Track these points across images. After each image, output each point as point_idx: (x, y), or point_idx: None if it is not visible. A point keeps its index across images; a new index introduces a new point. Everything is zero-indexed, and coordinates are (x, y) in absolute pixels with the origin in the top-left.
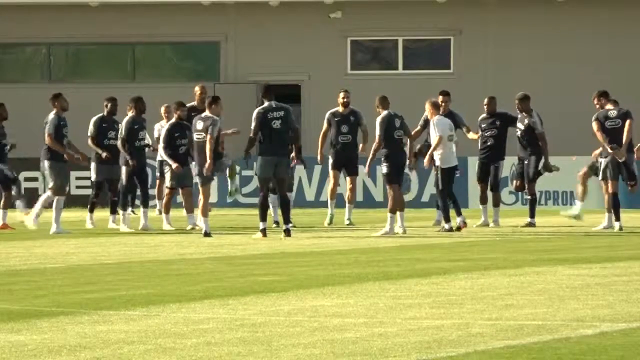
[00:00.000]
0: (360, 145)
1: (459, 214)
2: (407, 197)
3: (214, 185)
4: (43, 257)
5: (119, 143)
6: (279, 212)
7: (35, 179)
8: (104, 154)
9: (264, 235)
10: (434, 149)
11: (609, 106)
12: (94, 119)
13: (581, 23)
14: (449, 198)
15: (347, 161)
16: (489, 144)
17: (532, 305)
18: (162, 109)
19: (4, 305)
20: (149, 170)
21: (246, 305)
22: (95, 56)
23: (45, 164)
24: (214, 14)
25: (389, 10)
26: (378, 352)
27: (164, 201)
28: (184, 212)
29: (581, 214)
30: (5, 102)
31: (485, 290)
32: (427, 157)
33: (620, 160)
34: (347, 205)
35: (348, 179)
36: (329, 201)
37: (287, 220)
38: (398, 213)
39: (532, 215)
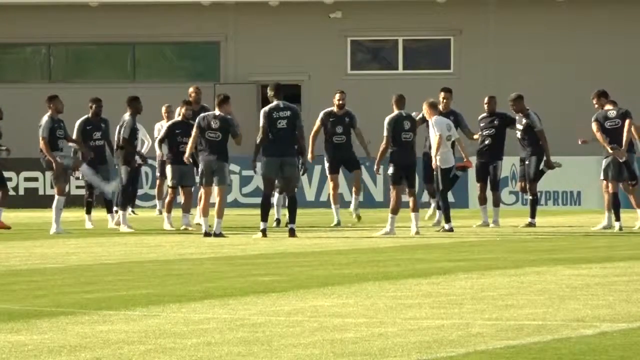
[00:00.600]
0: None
1: (447, 220)
2: (407, 197)
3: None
4: (43, 257)
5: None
6: (282, 211)
7: (35, 179)
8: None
9: (264, 235)
10: (437, 149)
11: (608, 106)
12: (78, 121)
13: (581, 23)
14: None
15: (343, 161)
16: (486, 143)
17: (532, 305)
18: (163, 109)
19: (4, 305)
20: (149, 170)
21: (246, 305)
22: (95, 56)
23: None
24: (214, 14)
25: (389, 10)
26: (378, 352)
27: (166, 201)
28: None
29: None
30: (5, 102)
31: (485, 290)
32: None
33: (621, 160)
34: (353, 196)
35: (353, 174)
36: (333, 207)
37: (292, 220)
38: (413, 214)
39: (533, 216)
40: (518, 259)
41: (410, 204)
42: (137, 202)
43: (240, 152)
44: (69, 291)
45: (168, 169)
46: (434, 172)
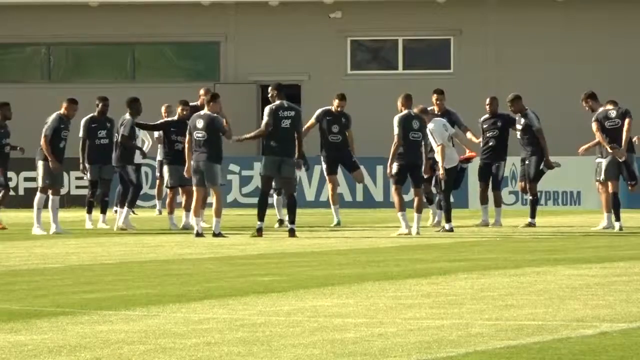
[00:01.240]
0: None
1: (448, 220)
2: (407, 197)
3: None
4: (43, 257)
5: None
6: (284, 211)
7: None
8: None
9: (260, 234)
10: (442, 159)
11: (608, 106)
12: (84, 119)
13: (581, 23)
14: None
15: (340, 160)
16: (490, 144)
17: (532, 306)
18: (163, 109)
19: (4, 305)
20: (149, 170)
21: (246, 305)
22: (95, 56)
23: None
24: (214, 14)
25: (389, 10)
26: (378, 352)
27: (167, 202)
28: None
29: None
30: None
31: (485, 290)
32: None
33: (620, 160)
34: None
35: (353, 175)
36: (332, 207)
37: (292, 220)
38: (416, 215)
39: (533, 216)
40: (518, 259)
41: (415, 204)
42: (137, 202)
43: (241, 152)
44: (69, 291)
45: (165, 169)
46: (437, 172)
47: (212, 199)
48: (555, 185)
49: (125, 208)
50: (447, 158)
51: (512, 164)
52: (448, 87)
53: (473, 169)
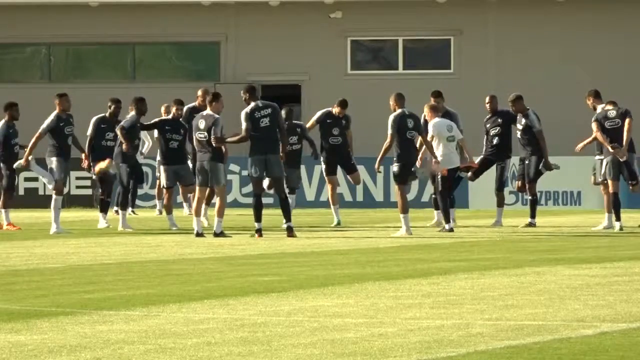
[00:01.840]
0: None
1: (447, 220)
2: (407, 197)
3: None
4: (43, 257)
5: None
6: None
7: (35, 179)
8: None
9: (260, 235)
10: (432, 152)
11: (608, 106)
12: (94, 118)
13: (581, 23)
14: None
15: (340, 161)
16: (494, 142)
17: (533, 305)
18: (162, 109)
19: (4, 305)
20: (149, 170)
21: (246, 306)
22: (95, 56)
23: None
24: (214, 14)
25: (389, 10)
26: (378, 352)
27: (164, 202)
28: (184, 211)
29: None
30: (5, 102)
31: (485, 290)
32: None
33: (621, 160)
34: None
35: (350, 177)
36: (332, 208)
37: (288, 218)
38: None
39: (533, 216)
40: (518, 259)
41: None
42: (137, 202)
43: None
44: (69, 291)
45: (161, 170)
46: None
47: (215, 198)
48: (555, 185)
49: (121, 211)
50: (447, 159)
51: (513, 164)
52: (448, 87)
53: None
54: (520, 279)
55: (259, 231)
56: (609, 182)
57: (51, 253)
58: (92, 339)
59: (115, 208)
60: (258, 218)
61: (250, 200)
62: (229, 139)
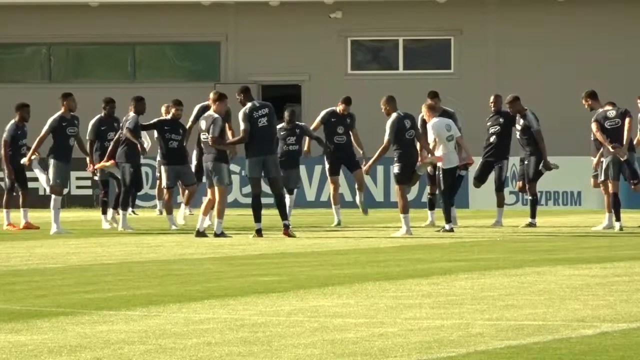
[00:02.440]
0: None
1: (448, 220)
2: (408, 197)
3: None
4: (43, 257)
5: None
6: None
7: (35, 179)
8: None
9: (259, 235)
10: (431, 152)
11: (607, 107)
12: (92, 120)
13: (581, 23)
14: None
15: (344, 160)
16: (491, 141)
17: (533, 306)
18: (163, 109)
19: (4, 305)
20: (149, 170)
21: (246, 306)
22: (95, 56)
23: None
24: (214, 14)
25: (389, 10)
26: (378, 352)
27: (165, 202)
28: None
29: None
30: (5, 102)
31: (485, 291)
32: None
33: (622, 160)
34: (357, 192)
35: (353, 174)
36: (333, 207)
37: (284, 217)
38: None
39: (533, 216)
40: (518, 259)
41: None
42: (138, 202)
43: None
44: (69, 291)
45: (162, 170)
46: (436, 173)
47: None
48: (555, 185)
49: (121, 212)
50: (446, 159)
51: (513, 164)
52: (448, 87)
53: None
54: (521, 279)
55: (259, 231)
56: (609, 182)
57: (51, 253)
58: (92, 339)
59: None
60: (257, 218)
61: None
62: (228, 142)
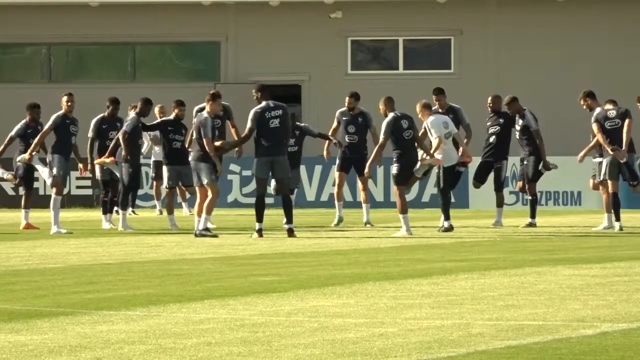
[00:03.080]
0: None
1: (447, 217)
2: (408, 197)
3: None
4: (43, 257)
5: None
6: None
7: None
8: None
9: (260, 235)
10: (434, 150)
11: (608, 106)
12: (94, 120)
13: (581, 23)
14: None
15: (355, 161)
16: (491, 141)
17: (533, 306)
18: (156, 109)
19: (4, 305)
20: (149, 170)
21: (246, 306)
22: (95, 56)
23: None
24: (214, 14)
25: (389, 10)
26: (378, 352)
27: (166, 202)
28: (183, 211)
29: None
30: (5, 102)
31: (485, 291)
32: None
33: (622, 161)
34: (364, 206)
35: (359, 180)
36: (336, 203)
37: (289, 220)
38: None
39: (533, 216)
40: (518, 259)
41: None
42: (137, 202)
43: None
44: (69, 291)
45: (164, 170)
46: (437, 171)
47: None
48: (555, 185)
49: (121, 211)
50: (446, 156)
51: (513, 164)
52: (448, 87)
53: (474, 169)
54: (521, 279)
55: (259, 231)
56: (609, 182)
57: (51, 253)
58: (92, 339)
59: (116, 208)
60: (259, 218)
61: (250, 200)
62: (231, 142)
